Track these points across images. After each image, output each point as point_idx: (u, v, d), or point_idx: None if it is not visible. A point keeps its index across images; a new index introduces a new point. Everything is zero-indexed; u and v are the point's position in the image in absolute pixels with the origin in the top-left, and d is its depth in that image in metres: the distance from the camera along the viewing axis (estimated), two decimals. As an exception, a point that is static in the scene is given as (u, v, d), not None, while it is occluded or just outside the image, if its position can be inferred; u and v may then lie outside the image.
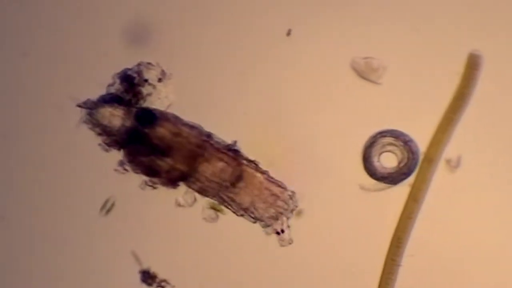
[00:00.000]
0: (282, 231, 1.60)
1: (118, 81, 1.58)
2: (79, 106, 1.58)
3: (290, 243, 1.60)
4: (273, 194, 1.59)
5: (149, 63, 1.59)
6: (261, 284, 1.63)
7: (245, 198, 1.58)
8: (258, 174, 1.58)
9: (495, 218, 1.61)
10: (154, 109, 1.58)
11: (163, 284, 1.64)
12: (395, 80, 1.61)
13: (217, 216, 1.61)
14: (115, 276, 1.64)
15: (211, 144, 1.57)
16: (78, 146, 1.63)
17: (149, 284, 1.64)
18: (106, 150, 1.58)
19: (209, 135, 1.58)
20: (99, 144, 1.58)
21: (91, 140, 1.61)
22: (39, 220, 1.65)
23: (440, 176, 1.60)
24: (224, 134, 1.60)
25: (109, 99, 1.57)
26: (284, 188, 1.59)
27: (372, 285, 1.60)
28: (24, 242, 1.65)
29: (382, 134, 1.60)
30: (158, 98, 1.59)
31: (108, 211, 1.63)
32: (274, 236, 1.60)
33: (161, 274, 1.64)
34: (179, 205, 1.60)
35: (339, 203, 1.61)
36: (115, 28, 1.66)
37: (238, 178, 1.57)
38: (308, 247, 1.62)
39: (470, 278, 1.61)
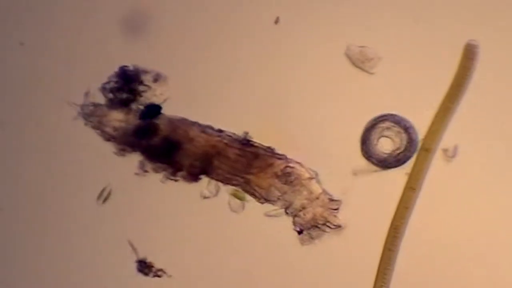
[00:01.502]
0: (301, 231, 1.60)
1: (114, 77, 1.59)
2: (85, 116, 1.60)
3: (309, 243, 1.60)
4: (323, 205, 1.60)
5: (143, 69, 1.60)
6: (256, 270, 1.63)
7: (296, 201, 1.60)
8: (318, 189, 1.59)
9: (491, 207, 1.61)
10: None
11: (159, 273, 1.64)
12: (391, 69, 1.61)
13: (243, 204, 1.61)
14: (112, 266, 1.64)
15: (225, 142, 1.59)
16: (74, 134, 1.63)
17: (146, 274, 1.63)
18: (123, 155, 1.59)
19: (220, 132, 1.59)
20: (114, 153, 1.60)
21: (88, 128, 1.62)
22: (36, 209, 1.65)
23: (437, 165, 1.60)
24: (222, 126, 1.62)
25: (113, 103, 1.59)
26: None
27: (369, 275, 1.60)
28: (21, 231, 1.65)
29: (383, 118, 1.60)
30: (154, 95, 1.60)
31: (105, 200, 1.63)
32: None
33: (158, 264, 1.64)
34: (204, 197, 1.60)
35: (337, 192, 1.61)
36: (113, 18, 1.66)
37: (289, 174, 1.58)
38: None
39: (467, 268, 1.61)
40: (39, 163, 1.65)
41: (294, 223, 1.60)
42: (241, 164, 1.58)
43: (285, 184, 1.58)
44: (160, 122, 1.60)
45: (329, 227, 1.59)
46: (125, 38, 1.64)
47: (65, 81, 1.64)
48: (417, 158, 1.59)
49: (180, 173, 1.59)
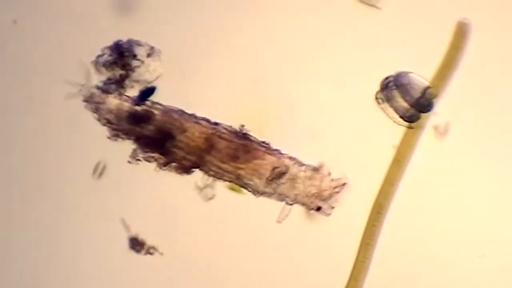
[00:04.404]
0: (319, 208, 1.61)
1: (108, 52, 1.59)
2: (85, 101, 1.59)
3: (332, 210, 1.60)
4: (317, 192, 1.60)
5: (137, 41, 1.60)
6: (248, 248, 1.64)
7: (289, 192, 1.60)
8: (302, 173, 1.59)
9: (482, 186, 1.62)
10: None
11: (151, 251, 1.64)
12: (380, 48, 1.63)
13: (213, 196, 1.61)
14: (103, 243, 1.64)
15: (219, 136, 1.58)
16: (69, 111, 1.63)
17: (138, 251, 1.64)
18: (116, 140, 1.60)
19: (216, 124, 1.59)
20: (108, 138, 1.60)
21: (81, 106, 1.62)
22: (29, 184, 1.65)
23: (427, 142, 1.61)
24: (217, 103, 1.62)
25: (109, 86, 1.59)
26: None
27: (350, 251, 1.61)
28: (15, 207, 1.65)
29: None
30: (147, 71, 1.60)
31: (100, 174, 1.63)
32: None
33: (150, 241, 1.64)
34: (199, 188, 1.60)
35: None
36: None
37: (280, 174, 1.59)
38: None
39: (453, 249, 1.62)
40: (33, 140, 1.65)
41: (304, 207, 1.61)
42: (234, 158, 1.58)
43: (277, 180, 1.59)
44: (155, 110, 1.60)
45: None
46: (119, 13, 1.64)
47: (59, 59, 1.64)
48: (405, 135, 1.60)
49: (172, 165, 1.60)
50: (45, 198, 1.64)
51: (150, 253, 1.64)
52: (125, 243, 1.63)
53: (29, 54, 1.66)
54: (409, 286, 1.62)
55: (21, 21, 1.66)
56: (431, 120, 1.61)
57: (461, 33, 1.59)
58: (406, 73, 1.59)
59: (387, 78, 1.59)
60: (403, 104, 1.58)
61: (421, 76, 1.59)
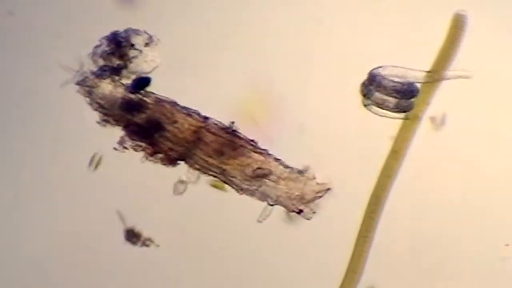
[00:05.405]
0: (301, 210, 1.60)
1: (105, 42, 1.59)
2: (78, 84, 1.58)
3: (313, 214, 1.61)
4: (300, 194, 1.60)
5: (136, 30, 1.60)
6: (244, 239, 1.63)
7: (271, 192, 1.60)
8: (286, 174, 1.59)
9: (478, 177, 1.62)
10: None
11: (147, 243, 1.63)
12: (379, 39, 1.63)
13: (184, 190, 1.60)
14: (99, 235, 1.63)
15: (207, 129, 1.58)
16: (65, 102, 1.62)
17: (134, 243, 1.63)
18: (104, 126, 1.59)
19: (206, 119, 1.59)
20: (97, 122, 1.59)
21: (77, 97, 1.61)
22: (26, 175, 1.64)
23: (424, 134, 1.61)
24: (212, 95, 1.61)
25: (104, 71, 1.58)
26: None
27: (347, 243, 1.61)
28: (11, 198, 1.64)
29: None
30: (145, 61, 1.60)
31: (97, 166, 1.62)
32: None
33: (146, 233, 1.63)
34: (182, 182, 1.59)
35: (320, 160, 1.62)
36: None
37: (263, 175, 1.58)
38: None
39: (451, 240, 1.62)
40: (29, 131, 1.64)
41: (286, 208, 1.61)
42: (220, 153, 1.58)
43: (261, 179, 1.58)
44: (148, 99, 1.59)
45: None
46: (116, 5, 1.64)
47: (55, 50, 1.63)
48: (402, 126, 1.61)
49: (158, 155, 1.59)
50: (42, 192, 1.63)
51: (146, 245, 1.63)
52: (121, 235, 1.63)
53: (25, 46, 1.65)
54: (407, 278, 1.62)
55: (17, 13, 1.66)
56: (427, 111, 1.61)
57: (458, 25, 1.60)
58: (377, 68, 1.59)
59: (363, 83, 1.59)
60: (390, 99, 1.58)
61: (393, 66, 1.59)
